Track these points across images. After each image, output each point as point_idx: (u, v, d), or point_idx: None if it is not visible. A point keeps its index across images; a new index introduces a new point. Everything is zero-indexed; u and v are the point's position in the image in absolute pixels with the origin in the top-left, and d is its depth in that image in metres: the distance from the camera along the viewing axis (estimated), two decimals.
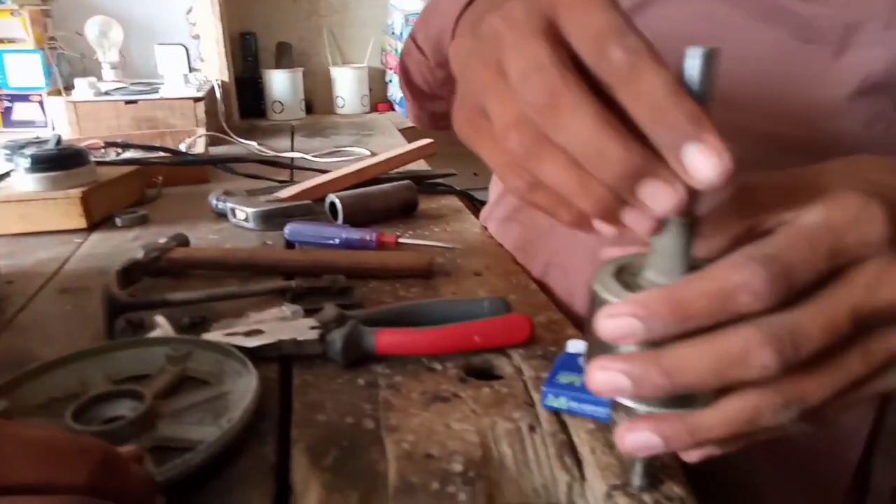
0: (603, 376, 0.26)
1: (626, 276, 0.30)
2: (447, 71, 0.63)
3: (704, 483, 0.37)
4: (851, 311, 0.25)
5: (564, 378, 0.43)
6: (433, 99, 0.65)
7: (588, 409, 0.41)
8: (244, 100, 1.82)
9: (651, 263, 0.29)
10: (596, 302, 0.29)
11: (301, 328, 0.50)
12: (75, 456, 0.26)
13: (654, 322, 0.25)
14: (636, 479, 0.35)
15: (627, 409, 0.31)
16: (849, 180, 0.30)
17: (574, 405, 0.42)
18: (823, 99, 0.50)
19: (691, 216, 0.28)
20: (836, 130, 0.50)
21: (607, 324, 0.26)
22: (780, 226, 0.30)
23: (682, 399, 0.28)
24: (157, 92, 1.41)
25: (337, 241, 0.72)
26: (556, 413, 0.43)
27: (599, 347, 0.29)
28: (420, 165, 1.19)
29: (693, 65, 0.25)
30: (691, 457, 0.28)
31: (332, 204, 0.81)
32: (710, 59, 0.25)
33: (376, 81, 1.99)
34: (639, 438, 0.27)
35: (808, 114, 0.50)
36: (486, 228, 0.79)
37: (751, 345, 0.25)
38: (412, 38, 0.66)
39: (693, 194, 0.24)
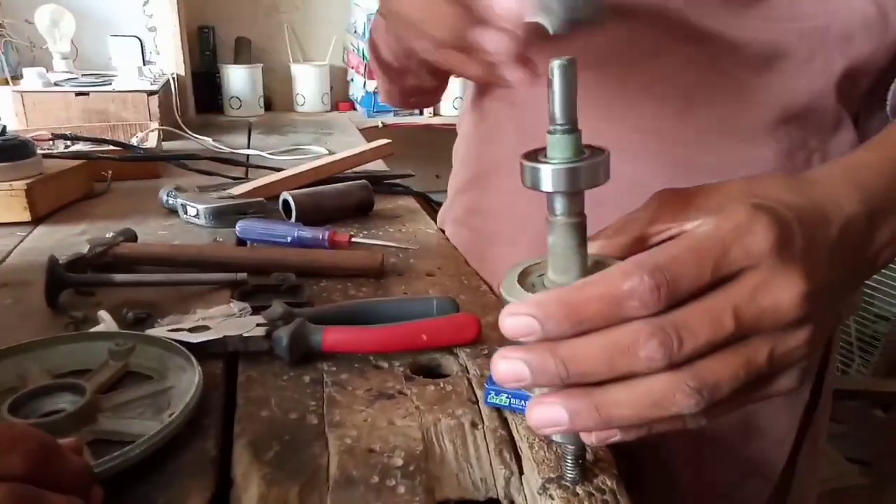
0: (504, 365, 0.28)
1: (532, 277, 0.33)
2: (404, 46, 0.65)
3: (635, 477, 0.39)
4: (733, 310, 0.27)
5: None
6: (402, 74, 0.66)
7: (526, 406, 0.42)
8: (201, 94, 1.79)
9: (549, 264, 0.31)
10: (502, 304, 0.31)
11: (248, 325, 0.50)
12: (12, 444, 0.26)
13: (549, 322, 0.27)
14: (569, 472, 0.37)
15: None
16: (745, 195, 0.32)
17: (514, 402, 0.43)
18: (742, 125, 0.51)
19: (577, 216, 0.30)
20: (753, 157, 0.51)
21: (508, 321, 0.28)
22: (681, 235, 0.32)
23: None
24: (109, 84, 1.38)
25: (289, 239, 0.72)
26: (497, 410, 0.44)
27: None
28: (378, 166, 1.19)
29: (556, 75, 0.28)
30: (593, 438, 0.30)
31: (286, 202, 0.81)
32: (568, 70, 0.28)
33: (338, 80, 1.99)
34: (546, 413, 0.28)
35: (725, 139, 0.52)
36: (442, 231, 0.80)
37: (639, 337, 0.27)
38: (378, 11, 0.67)
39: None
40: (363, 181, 0.89)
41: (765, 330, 0.28)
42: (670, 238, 0.32)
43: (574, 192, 0.30)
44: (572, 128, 0.29)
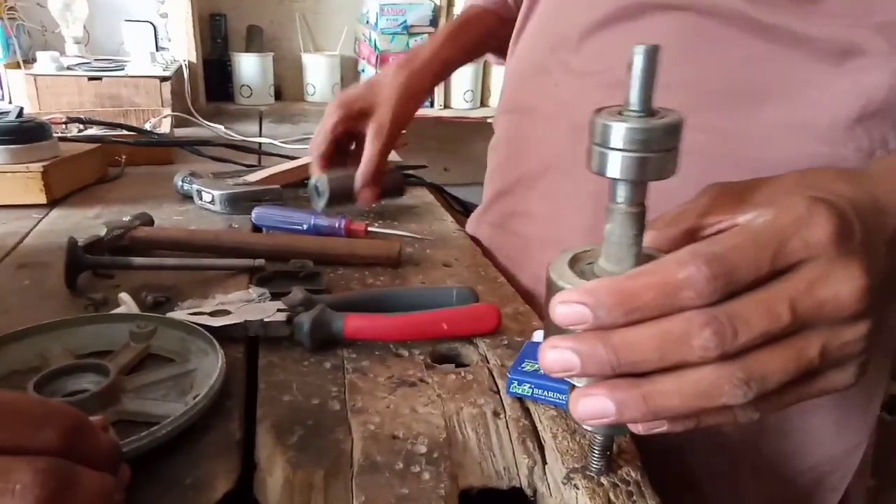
0: (553, 354, 0.28)
1: (581, 264, 0.32)
2: None
3: (661, 473, 0.39)
4: (790, 302, 0.27)
5: (529, 366, 0.44)
6: None
7: (550, 396, 0.42)
8: (211, 82, 1.79)
9: (603, 252, 0.31)
10: (551, 289, 0.31)
11: (268, 310, 0.50)
12: (46, 419, 0.26)
13: (601, 310, 0.27)
14: (594, 463, 0.37)
15: None
16: (801, 188, 0.31)
17: (537, 392, 0.43)
18: (816, 123, 0.48)
19: (639, 205, 0.30)
20: (830, 157, 0.48)
21: (560, 309, 0.28)
22: (730, 227, 0.32)
23: None
24: (122, 69, 1.38)
25: (305, 226, 0.72)
26: (519, 400, 0.44)
27: (557, 330, 0.30)
28: (392, 156, 1.19)
29: (637, 60, 0.28)
30: (640, 428, 0.30)
31: (316, 186, 0.79)
32: (652, 56, 0.27)
33: (348, 70, 1.98)
34: (593, 404, 0.28)
35: (796, 138, 0.49)
36: (473, 238, 0.77)
37: (692, 326, 0.26)
38: None
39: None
40: (395, 164, 0.88)
41: (821, 323, 0.28)
42: (722, 231, 0.32)
43: (640, 182, 0.29)
44: (647, 116, 0.28)
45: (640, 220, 0.30)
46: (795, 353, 0.27)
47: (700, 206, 0.34)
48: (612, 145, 0.29)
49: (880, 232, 0.30)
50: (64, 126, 1.04)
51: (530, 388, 0.43)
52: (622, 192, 0.30)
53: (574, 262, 0.32)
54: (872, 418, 0.53)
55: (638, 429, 0.30)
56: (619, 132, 0.28)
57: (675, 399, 0.27)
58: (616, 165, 0.29)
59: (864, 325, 0.28)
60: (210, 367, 0.43)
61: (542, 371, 0.43)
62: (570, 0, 0.62)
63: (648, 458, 0.39)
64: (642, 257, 0.31)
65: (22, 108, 0.84)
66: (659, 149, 0.28)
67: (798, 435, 0.53)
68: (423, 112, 1.86)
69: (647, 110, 0.28)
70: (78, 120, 1.04)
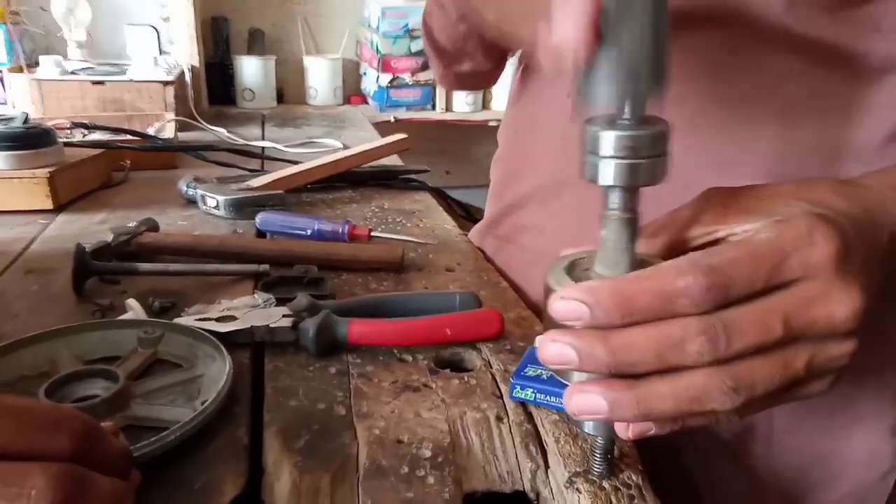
0: (553, 347, 0.29)
1: (578, 270, 0.33)
2: (469, 24, 0.63)
3: (660, 476, 0.39)
4: (784, 316, 0.28)
5: (532, 371, 0.45)
6: (458, 58, 0.65)
7: (553, 401, 0.43)
8: (214, 86, 1.79)
9: (599, 258, 0.32)
10: (549, 293, 0.31)
11: (273, 316, 0.51)
12: (59, 424, 0.27)
13: (598, 309, 0.28)
14: (596, 467, 0.37)
15: None
16: (798, 201, 0.32)
17: (540, 397, 0.43)
18: (850, 143, 0.47)
19: (632, 211, 0.31)
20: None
21: (559, 305, 0.28)
22: (730, 237, 0.33)
23: None
24: (125, 73, 1.39)
25: (309, 231, 0.73)
26: (522, 404, 0.44)
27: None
28: (393, 161, 1.20)
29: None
30: (630, 433, 0.30)
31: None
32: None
33: (350, 73, 1.99)
34: (586, 400, 0.29)
35: (829, 158, 0.47)
36: (465, 234, 0.78)
37: (689, 332, 0.27)
38: None
39: None
40: None
41: (812, 338, 0.29)
42: (716, 241, 0.33)
43: (631, 188, 0.30)
44: (637, 124, 0.29)
45: (633, 226, 0.31)
46: (783, 364, 0.28)
47: (693, 213, 0.34)
48: (602, 153, 0.29)
49: (876, 247, 0.31)
50: (68, 131, 1.05)
51: (533, 392, 0.43)
52: (615, 199, 0.31)
53: (571, 268, 0.33)
54: None
55: (627, 433, 0.30)
56: (608, 140, 0.29)
57: (668, 402, 0.28)
58: (607, 172, 0.29)
59: (851, 343, 0.29)
60: (217, 372, 0.44)
61: (544, 376, 0.44)
62: None
63: (652, 465, 0.39)
64: (636, 263, 0.31)
65: (27, 115, 0.85)
66: (648, 155, 0.29)
67: (831, 462, 0.53)
68: (424, 115, 1.87)
69: (638, 118, 0.29)
70: (82, 125, 1.04)
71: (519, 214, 0.69)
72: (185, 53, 1.68)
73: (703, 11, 0.45)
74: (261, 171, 1.01)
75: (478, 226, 0.80)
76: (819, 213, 0.29)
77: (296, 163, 1.06)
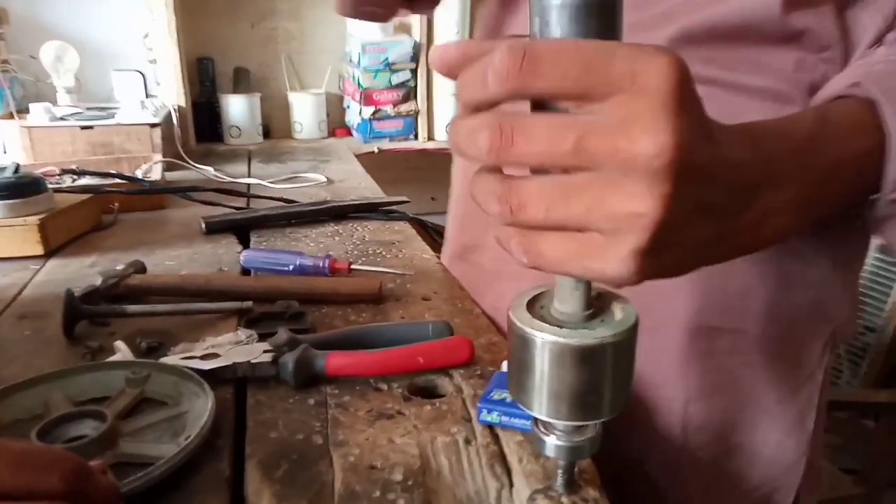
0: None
1: (537, 306, 0.35)
2: None
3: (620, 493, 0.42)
4: (581, 131, 0.25)
5: (498, 395, 0.48)
6: None
7: (517, 422, 0.46)
8: (201, 124, 1.83)
9: (555, 294, 0.34)
10: (513, 332, 0.33)
11: (255, 352, 0.54)
12: (51, 465, 0.29)
13: (439, 63, 0.29)
14: (557, 484, 0.40)
15: (546, 425, 0.36)
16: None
17: (505, 419, 0.46)
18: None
19: None
20: None
21: (433, 55, 0.29)
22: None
23: (587, 411, 0.33)
24: (113, 117, 1.42)
25: (291, 267, 0.75)
26: (489, 427, 0.47)
27: (518, 366, 0.33)
28: (374, 192, 1.23)
29: None
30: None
31: None
32: None
33: (334, 107, 2.04)
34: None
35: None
36: (446, 270, 0.80)
37: (481, 124, 0.27)
38: None
39: None
40: None
41: (607, 170, 0.25)
42: None
43: None
44: None
45: None
46: (562, 190, 0.26)
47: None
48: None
49: (719, 142, 0.28)
50: (58, 177, 1.08)
51: (499, 415, 0.46)
52: None
53: (531, 304, 0.34)
54: (807, 435, 0.56)
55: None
56: None
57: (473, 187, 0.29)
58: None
59: (651, 200, 0.25)
60: (201, 408, 0.46)
61: (509, 400, 0.47)
62: None
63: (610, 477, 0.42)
64: (591, 296, 0.33)
65: (18, 165, 0.88)
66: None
67: (743, 454, 0.55)
68: (407, 145, 1.91)
69: None
70: (71, 171, 1.08)
71: (468, 233, 0.72)
72: (173, 94, 1.73)
73: None
74: (246, 209, 1.05)
75: (444, 246, 0.83)
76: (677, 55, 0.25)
77: (281, 199, 1.10)
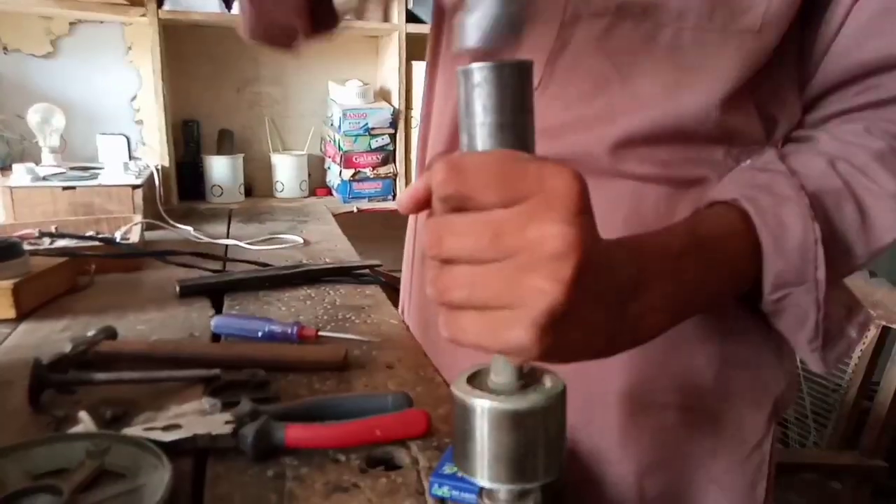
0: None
1: (476, 381, 0.37)
2: None
3: None
4: (497, 227, 0.30)
5: (449, 469, 0.49)
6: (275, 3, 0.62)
7: (467, 497, 0.47)
8: (184, 183, 1.87)
9: (492, 368, 0.37)
10: (456, 402, 0.36)
11: (216, 423, 0.55)
12: None
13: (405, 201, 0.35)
14: None
15: (490, 495, 0.37)
16: None
17: (455, 493, 0.47)
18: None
19: None
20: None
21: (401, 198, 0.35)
22: None
23: (525, 473, 0.35)
24: (95, 178, 1.45)
25: (260, 334, 0.77)
26: (441, 501, 0.48)
27: (462, 435, 0.35)
28: (349, 254, 1.26)
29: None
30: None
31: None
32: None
33: (315, 167, 2.08)
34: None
35: None
36: (413, 337, 0.82)
37: (429, 230, 0.32)
38: None
39: None
40: None
41: (517, 256, 0.30)
42: None
43: None
44: None
45: None
46: (483, 274, 0.31)
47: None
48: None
49: (609, 253, 0.34)
50: (37, 239, 1.10)
51: (449, 489, 0.48)
52: None
53: (471, 380, 0.37)
54: (759, 501, 0.57)
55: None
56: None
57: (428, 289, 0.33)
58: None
59: (555, 279, 0.30)
60: (158, 481, 0.47)
61: (459, 473, 0.48)
62: None
63: None
64: (522, 370, 0.36)
65: None
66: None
67: (695, 491, 0.57)
68: (386, 205, 1.96)
69: None
70: (49, 234, 1.09)
71: (426, 304, 0.75)
72: (157, 154, 1.76)
73: None
74: (223, 272, 1.07)
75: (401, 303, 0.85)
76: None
77: (257, 263, 1.12)
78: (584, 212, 0.30)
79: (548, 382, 0.36)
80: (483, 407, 0.34)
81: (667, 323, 0.39)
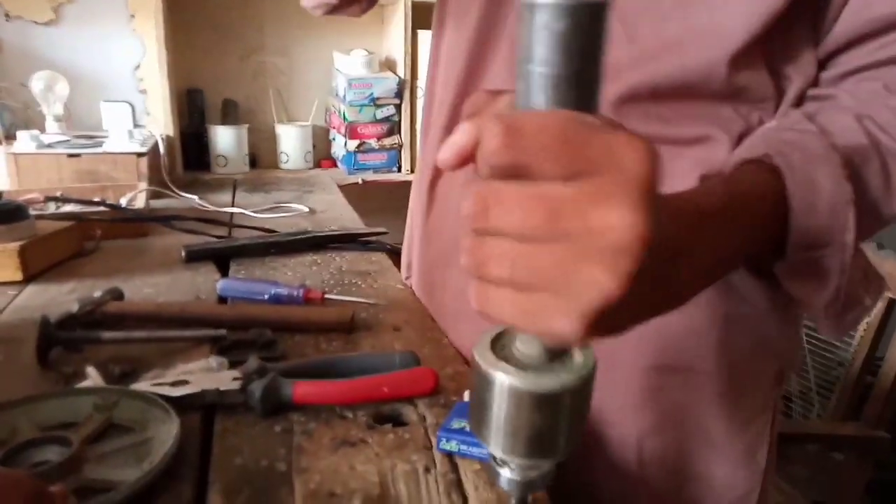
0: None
1: (501, 344, 0.35)
2: None
3: None
4: (554, 205, 0.25)
5: (458, 424, 0.49)
6: None
7: (475, 451, 0.47)
8: (189, 153, 1.86)
9: (518, 337, 0.33)
10: (477, 371, 0.33)
11: (224, 379, 0.55)
12: (10, 488, 0.30)
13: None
14: None
15: (502, 460, 0.37)
16: None
17: (463, 448, 0.48)
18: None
19: None
20: None
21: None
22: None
23: (542, 450, 0.33)
24: (100, 146, 1.44)
25: (266, 296, 0.77)
26: (449, 455, 0.48)
27: (479, 402, 0.34)
28: (355, 223, 1.25)
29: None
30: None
31: None
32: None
33: (320, 139, 2.07)
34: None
35: None
36: (419, 300, 0.81)
37: (470, 195, 0.27)
38: None
39: None
40: None
41: (573, 238, 0.26)
42: None
43: None
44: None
45: None
46: (529, 253, 0.26)
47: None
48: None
49: (712, 222, 0.34)
50: (42, 204, 1.09)
51: (457, 444, 0.48)
52: None
53: (495, 343, 0.34)
54: (759, 468, 0.57)
55: None
56: None
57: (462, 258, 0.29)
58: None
59: (615, 272, 0.26)
60: (166, 434, 0.47)
61: (468, 428, 0.48)
62: None
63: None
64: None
65: (1, 193, 0.90)
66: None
67: (697, 485, 0.57)
68: (390, 177, 1.94)
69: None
70: (55, 198, 1.09)
71: (432, 272, 0.75)
72: (161, 124, 1.75)
73: None
74: (227, 238, 1.06)
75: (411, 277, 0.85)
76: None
77: (262, 229, 1.11)
78: (654, 195, 0.26)
79: (578, 355, 0.33)
80: (505, 384, 0.31)
81: (705, 285, 0.38)
